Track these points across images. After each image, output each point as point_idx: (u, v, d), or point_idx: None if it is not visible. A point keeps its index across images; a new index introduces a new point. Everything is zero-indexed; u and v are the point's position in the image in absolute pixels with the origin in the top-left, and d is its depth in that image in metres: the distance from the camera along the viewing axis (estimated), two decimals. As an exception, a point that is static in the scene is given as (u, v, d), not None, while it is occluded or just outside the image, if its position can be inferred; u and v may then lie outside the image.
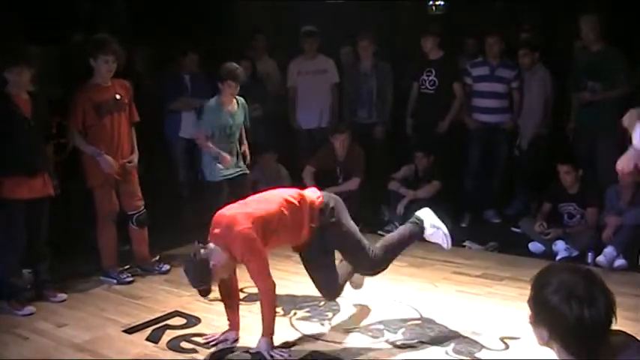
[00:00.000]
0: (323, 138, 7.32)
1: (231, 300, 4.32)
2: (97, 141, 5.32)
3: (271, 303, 4.04)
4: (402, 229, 4.65)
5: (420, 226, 4.57)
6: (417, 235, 4.58)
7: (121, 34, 6.17)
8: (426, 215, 4.63)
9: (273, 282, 4.03)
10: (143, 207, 5.63)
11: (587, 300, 1.85)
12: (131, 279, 5.51)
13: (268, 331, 4.04)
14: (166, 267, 5.77)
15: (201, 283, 3.91)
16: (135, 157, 5.57)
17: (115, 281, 5.47)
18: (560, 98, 6.97)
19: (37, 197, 4.88)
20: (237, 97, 5.97)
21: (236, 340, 4.25)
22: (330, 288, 4.40)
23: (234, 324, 4.31)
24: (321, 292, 4.43)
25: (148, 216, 5.67)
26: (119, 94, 5.42)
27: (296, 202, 4.18)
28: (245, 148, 6.21)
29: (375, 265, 4.41)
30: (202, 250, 3.92)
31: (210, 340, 4.29)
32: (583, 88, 6.58)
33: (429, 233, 4.58)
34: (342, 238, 4.27)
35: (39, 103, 4.98)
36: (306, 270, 4.40)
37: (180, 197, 7.09)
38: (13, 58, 4.78)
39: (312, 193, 4.32)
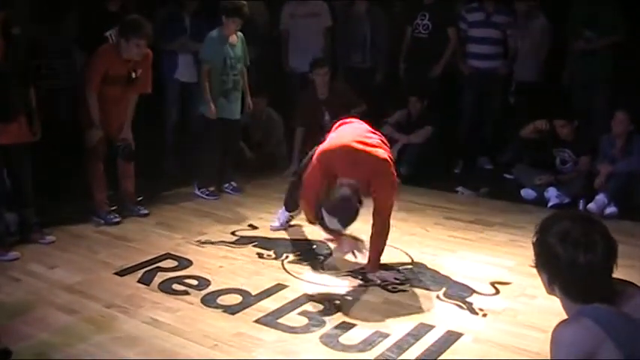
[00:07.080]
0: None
1: None
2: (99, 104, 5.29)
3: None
4: None
5: None
6: None
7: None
8: None
9: None
10: (131, 141, 5.55)
11: (583, 244, 1.83)
12: (118, 219, 5.49)
13: (376, 264, 4.36)
14: (145, 211, 5.70)
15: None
16: (127, 133, 5.51)
17: (102, 221, 5.45)
18: (557, 46, 6.91)
19: (15, 143, 4.75)
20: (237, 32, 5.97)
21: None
22: None
23: None
24: None
25: (133, 150, 5.58)
26: (135, 70, 5.35)
27: None
28: (248, 97, 6.26)
29: None
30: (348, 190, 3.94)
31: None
32: (580, 38, 6.51)
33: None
34: None
35: (15, 47, 4.74)
36: None
37: (166, 143, 7.00)
38: None
39: None
